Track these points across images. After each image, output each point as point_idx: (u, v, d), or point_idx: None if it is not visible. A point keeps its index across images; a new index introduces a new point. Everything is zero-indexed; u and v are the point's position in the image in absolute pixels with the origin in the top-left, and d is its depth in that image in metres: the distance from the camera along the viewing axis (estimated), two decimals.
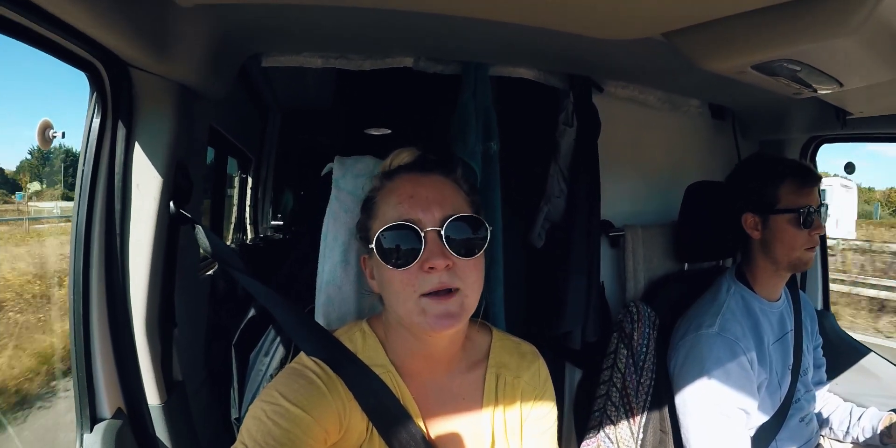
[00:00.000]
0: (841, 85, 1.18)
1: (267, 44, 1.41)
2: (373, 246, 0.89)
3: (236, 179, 3.81)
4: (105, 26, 0.90)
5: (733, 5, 0.94)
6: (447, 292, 0.86)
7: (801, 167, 1.55)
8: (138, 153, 1.16)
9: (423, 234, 0.86)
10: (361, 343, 0.97)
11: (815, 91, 1.25)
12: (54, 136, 1.20)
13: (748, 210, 1.56)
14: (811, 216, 1.48)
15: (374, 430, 0.91)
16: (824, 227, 1.55)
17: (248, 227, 3.97)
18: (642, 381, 1.57)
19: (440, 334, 0.90)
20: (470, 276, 0.89)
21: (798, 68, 1.10)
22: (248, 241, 3.88)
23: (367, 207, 0.97)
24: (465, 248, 0.89)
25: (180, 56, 1.11)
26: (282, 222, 5.22)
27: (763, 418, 1.50)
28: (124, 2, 0.89)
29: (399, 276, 0.87)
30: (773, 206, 1.51)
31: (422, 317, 0.86)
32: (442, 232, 0.87)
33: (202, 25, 1.12)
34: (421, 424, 0.93)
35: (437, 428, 0.97)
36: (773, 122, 1.92)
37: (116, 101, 1.11)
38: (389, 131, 4.05)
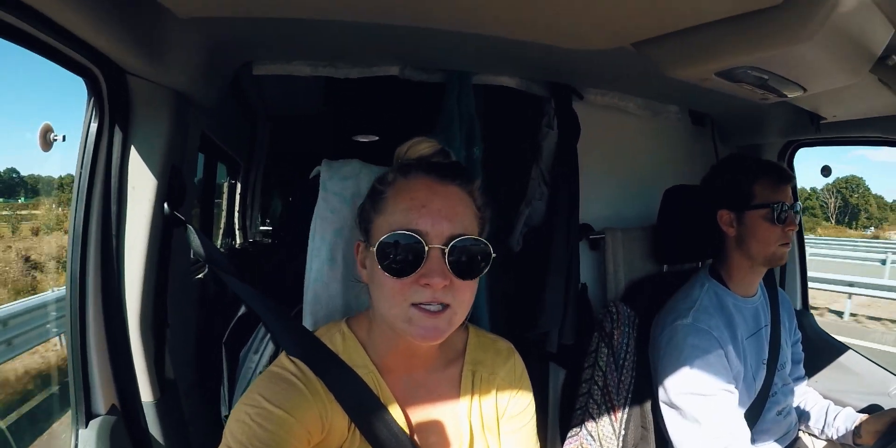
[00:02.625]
0: (804, 90, 1.23)
1: (258, 53, 1.46)
2: (374, 248, 0.88)
3: (226, 185, 3.84)
4: (103, 33, 0.94)
5: (695, 16, 0.99)
6: (438, 309, 0.86)
7: (775, 165, 1.60)
8: (134, 156, 1.20)
9: (426, 249, 0.85)
10: (341, 344, 0.98)
11: (781, 96, 1.29)
12: (55, 140, 1.23)
13: (723, 207, 1.59)
14: (785, 212, 1.52)
15: (356, 429, 0.91)
16: (797, 224, 1.59)
17: (238, 231, 3.99)
18: (623, 379, 1.60)
19: (423, 344, 0.91)
20: (463, 295, 0.89)
21: (761, 75, 1.15)
22: (237, 246, 3.89)
23: (375, 199, 0.95)
24: (465, 270, 0.88)
25: (175, 63, 1.16)
26: (270, 227, 5.22)
27: (740, 411, 1.52)
28: (123, 10, 0.93)
29: (392, 283, 0.87)
30: (748, 202, 1.55)
31: (407, 325, 0.86)
32: (446, 250, 0.86)
33: (197, 35, 1.17)
34: (401, 422, 0.94)
35: (417, 425, 0.98)
36: (750, 127, 1.97)
37: (113, 106, 1.15)
38: (377, 138, 4.06)
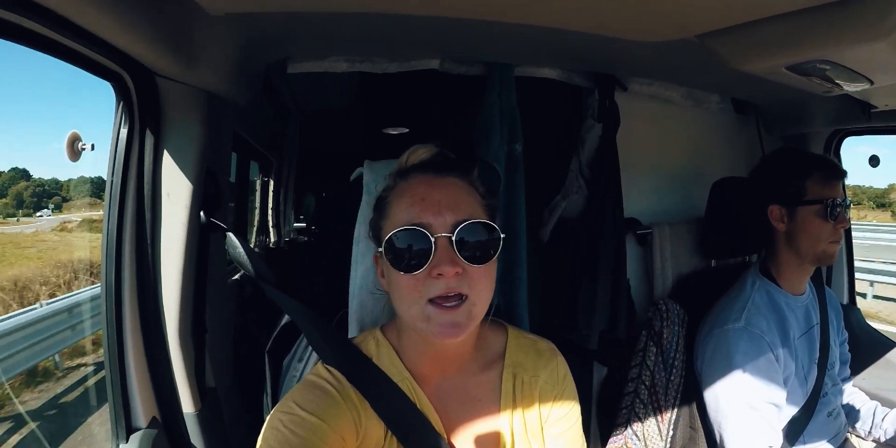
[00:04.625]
0: (872, 83, 1.18)
1: (293, 49, 1.41)
2: (382, 249, 0.88)
3: (258, 183, 3.81)
4: (131, 35, 0.89)
5: (768, 8, 0.94)
6: (456, 301, 0.85)
7: (827, 161, 1.56)
8: (167, 161, 1.16)
9: (433, 240, 0.84)
10: (375, 351, 0.97)
11: (845, 90, 1.24)
12: (83, 149, 1.21)
13: (774, 202, 1.55)
14: (837, 209, 1.48)
15: (393, 437, 0.90)
16: (849, 220, 1.55)
17: (272, 229, 3.96)
18: (672, 378, 1.57)
19: (445, 342, 0.89)
20: (479, 283, 0.87)
21: (832, 68, 1.10)
22: (271, 245, 3.87)
23: (379, 207, 0.95)
24: (477, 255, 0.86)
25: (207, 64, 1.11)
26: (304, 224, 5.23)
27: (791, 412, 1.50)
28: (151, 10, 0.88)
29: (406, 281, 0.85)
30: (800, 197, 1.51)
31: (426, 323, 0.85)
32: (453, 238, 0.84)
33: (230, 32, 1.12)
34: (439, 428, 0.93)
35: (455, 431, 0.96)
36: (796, 115, 1.91)
37: (143, 110, 1.11)
38: (407, 130, 4.04)
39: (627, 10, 1.02)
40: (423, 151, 0.98)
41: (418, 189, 0.90)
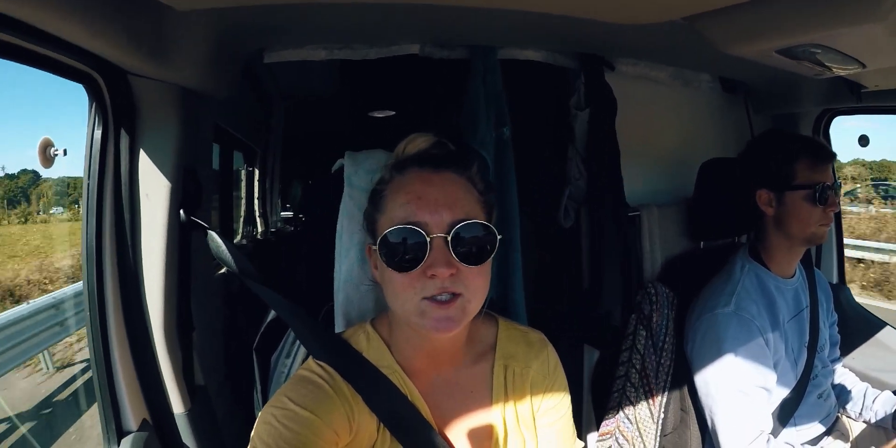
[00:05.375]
0: (864, 66, 1.16)
1: (268, 40, 1.38)
2: (376, 247, 0.87)
3: (243, 173, 3.76)
4: (100, 36, 0.86)
5: None
6: (449, 298, 0.84)
7: (816, 144, 1.54)
8: (144, 161, 1.13)
9: (428, 240, 0.83)
10: (366, 345, 0.96)
11: (837, 72, 1.22)
12: (56, 154, 1.18)
13: (763, 186, 1.54)
14: (826, 192, 1.47)
15: (386, 431, 0.91)
16: (839, 203, 1.55)
17: (258, 220, 3.92)
18: (662, 361, 1.57)
19: (439, 336, 0.89)
20: (474, 283, 0.86)
21: (823, 52, 1.08)
22: (258, 236, 3.84)
23: (375, 200, 0.94)
24: (472, 256, 0.85)
25: (180, 59, 1.08)
26: (291, 213, 5.20)
27: (782, 395, 1.51)
28: (118, 10, 0.85)
29: (401, 279, 0.85)
30: (788, 182, 1.50)
31: (420, 318, 0.84)
32: (448, 238, 0.84)
33: (200, 27, 1.09)
34: (431, 421, 0.93)
35: (448, 423, 0.96)
36: (786, 95, 1.89)
37: (117, 109, 1.08)
38: (393, 113, 3.99)
39: None
40: (421, 140, 0.97)
41: (415, 185, 0.89)
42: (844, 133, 2.21)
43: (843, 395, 1.73)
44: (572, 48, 1.60)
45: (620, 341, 1.65)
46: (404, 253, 0.84)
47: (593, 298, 1.62)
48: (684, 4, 1.03)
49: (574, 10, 1.10)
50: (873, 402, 1.66)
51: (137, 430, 1.17)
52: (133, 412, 1.17)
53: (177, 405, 1.26)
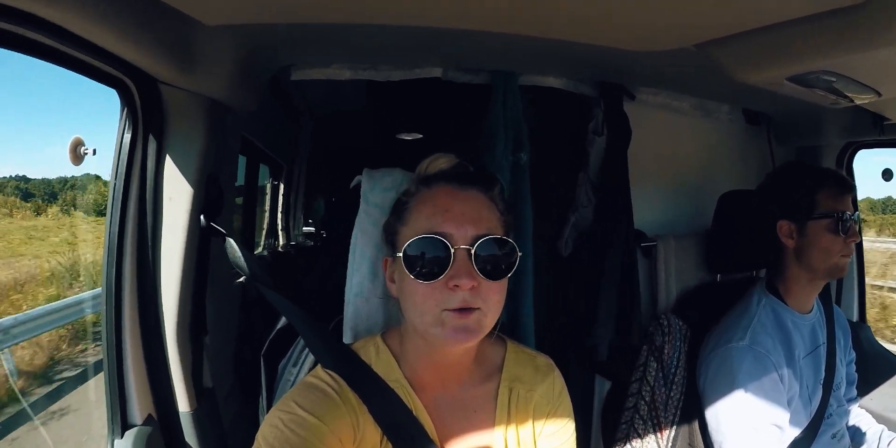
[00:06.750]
0: (879, 95, 1.15)
1: (295, 57, 1.42)
2: (400, 254, 0.88)
3: (268, 186, 3.83)
4: (132, 44, 0.91)
5: (767, 16, 0.93)
6: (467, 310, 0.85)
7: (836, 174, 1.53)
8: (170, 167, 1.18)
9: (452, 251, 0.85)
10: (375, 358, 0.97)
11: (852, 101, 1.21)
12: (86, 153, 1.23)
13: (784, 217, 1.52)
14: (848, 223, 1.45)
15: (389, 443, 0.91)
16: (860, 234, 1.52)
17: (280, 233, 3.97)
18: (672, 394, 1.55)
19: (455, 347, 0.89)
20: (492, 298, 0.88)
21: (836, 80, 1.08)
22: (279, 248, 3.88)
23: (398, 211, 0.96)
24: (493, 270, 0.87)
25: (208, 71, 1.13)
26: (313, 229, 5.24)
27: (794, 434, 1.46)
28: (150, 21, 0.90)
29: (422, 289, 0.86)
30: (810, 212, 1.48)
31: (439, 328, 0.85)
32: (472, 251, 0.85)
33: (228, 42, 1.14)
34: (434, 437, 0.93)
35: (449, 440, 0.96)
36: (809, 127, 1.87)
37: (147, 115, 1.13)
38: (421, 136, 4.03)
39: (622, 20, 1.01)
40: (444, 161, 1.00)
41: (442, 198, 0.91)
42: (867, 167, 2.18)
43: (857, 436, 1.67)
44: (593, 76, 1.61)
45: (630, 372, 1.63)
46: (428, 262, 0.86)
47: (589, 327, 1.60)
48: (694, 32, 1.05)
49: (589, 37, 1.12)
50: (888, 445, 1.59)
51: (142, 425, 1.19)
52: (139, 407, 1.20)
53: (183, 404, 1.28)
